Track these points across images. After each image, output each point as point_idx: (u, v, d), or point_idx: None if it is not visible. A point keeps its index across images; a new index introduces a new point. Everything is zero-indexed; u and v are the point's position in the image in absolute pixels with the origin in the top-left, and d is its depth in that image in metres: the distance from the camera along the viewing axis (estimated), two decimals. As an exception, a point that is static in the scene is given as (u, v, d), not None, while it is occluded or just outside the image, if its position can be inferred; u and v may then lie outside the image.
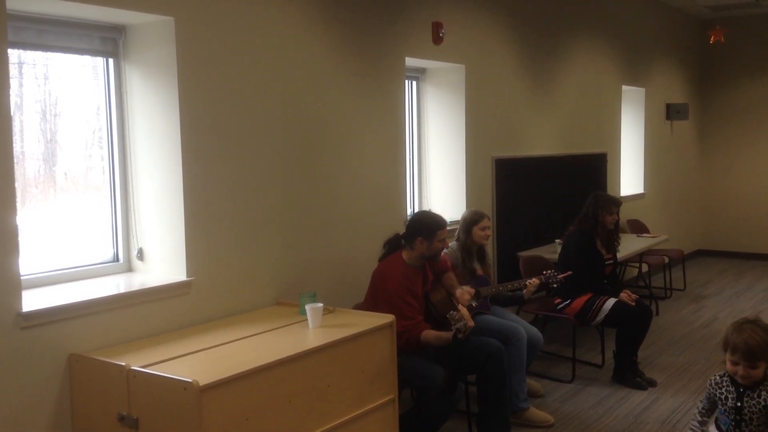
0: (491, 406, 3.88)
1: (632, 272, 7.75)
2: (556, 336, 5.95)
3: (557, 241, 5.80)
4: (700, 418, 3.00)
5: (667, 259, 7.64)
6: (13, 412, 2.84)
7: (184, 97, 3.42)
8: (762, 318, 2.96)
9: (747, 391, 2.82)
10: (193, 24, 3.45)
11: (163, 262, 3.53)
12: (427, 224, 3.91)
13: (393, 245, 4.00)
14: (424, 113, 5.51)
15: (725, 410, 2.87)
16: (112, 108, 3.53)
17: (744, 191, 9.97)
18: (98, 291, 3.22)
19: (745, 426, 2.82)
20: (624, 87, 8.10)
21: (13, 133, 2.91)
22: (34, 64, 3.41)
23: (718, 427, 2.93)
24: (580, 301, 5.05)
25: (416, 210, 5.32)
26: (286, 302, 3.91)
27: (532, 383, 4.78)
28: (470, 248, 4.60)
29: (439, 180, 5.54)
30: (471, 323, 3.64)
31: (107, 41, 3.47)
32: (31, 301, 2.95)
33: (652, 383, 4.98)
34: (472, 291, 4.38)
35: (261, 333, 3.35)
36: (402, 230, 4.02)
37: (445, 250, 4.19)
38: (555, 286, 4.85)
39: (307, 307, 3.43)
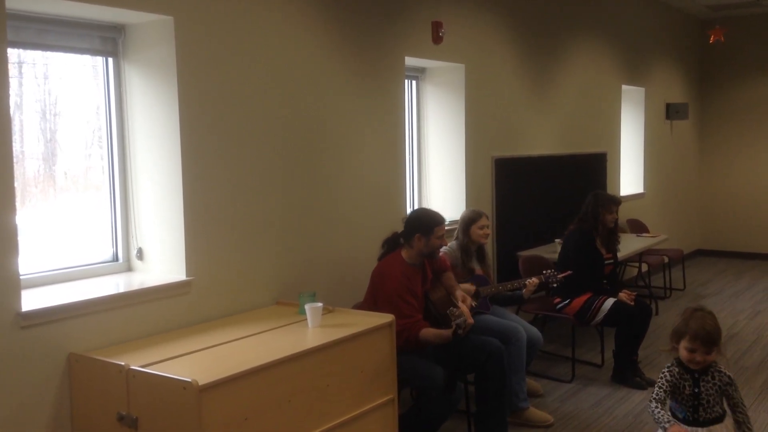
0: (491, 406, 3.88)
1: (632, 272, 7.75)
2: (556, 336, 5.95)
3: (557, 240, 5.80)
4: (656, 410, 3.05)
5: (666, 259, 7.65)
6: (12, 411, 2.84)
7: (183, 97, 3.42)
8: (707, 306, 3.10)
9: (702, 376, 2.94)
10: (192, 24, 3.45)
11: (163, 261, 3.53)
12: (424, 221, 3.91)
13: (392, 244, 4.00)
14: (423, 113, 5.51)
15: (682, 399, 2.96)
16: (112, 107, 3.53)
17: (743, 191, 9.97)
18: (98, 291, 3.21)
19: (702, 410, 2.93)
20: (624, 87, 8.11)
21: (13, 132, 2.91)
22: (33, 64, 3.41)
23: (673, 414, 3.00)
24: (579, 300, 5.05)
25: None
26: (286, 302, 3.91)
27: (532, 383, 4.78)
28: (469, 247, 4.59)
29: (439, 180, 5.54)
30: (471, 320, 3.64)
31: (107, 41, 3.47)
32: (31, 300, 2.95)
33: (651, 383, 4.97)
34: (472, 289, 4.38)
35: (260, 333, 3.35)
36: (401, 229, 4.02)
37: (443, 250, 4.19)
38: (555, 285, 4.85)
39: (307, 307, 3.43)
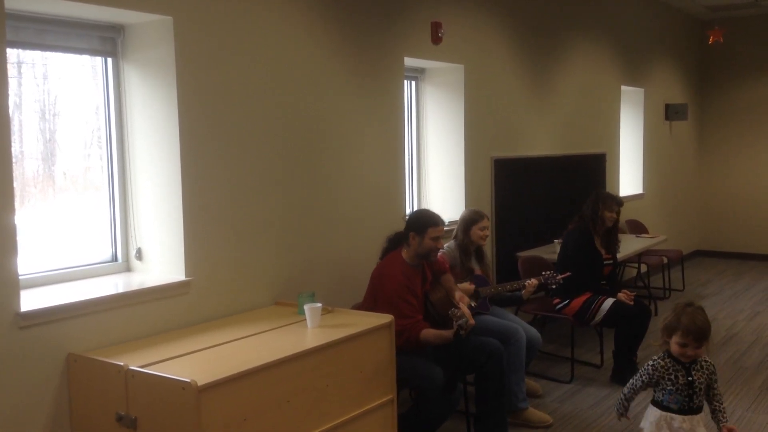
0: (490, 406, 3.88)
1: (631, 272, 7.76)
2: (555, 336, 5.95)
3: (556, 241, 5.80)
4: (629, 396, 3.25)
5: (665, 260, 7.65)
6: (11, 411, 2.84)
7: (182, 97, 3.41)
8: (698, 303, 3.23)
9: (692, 365, 3.09)
10: (192, 24, 3.45)
11: (162, 261, 3.53)
12: (421, 220, 3.91)
13: (395, 242, 4.00)
14: (423, 113, 5.51)
15: (677, 388, 3.08)
16: (111, 107, 3.53)
17: (743, 192, 9.97)
18: (97, 291, 3.21)
19: (696, 397, 3.08)
20: (623, 87, 8.11)
21: (12, 132, 2.91)
22: (33, 64, 3.41)
23: (666, 407, 3.11)
24: (578, 301, 5.05)
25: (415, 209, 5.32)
26: (285, 302, 3.91)
27: (531, 383, 4.78)
28: (468, 248, 4.59)
29: (438, 180, 5.54)
30: (472, 321, 3.64)
31: (106, 41, 3.47)
32: (30, 300, 2.95)
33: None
34: (471, 288, 4.38)
35: (260, 333, 3.34)
36: (401, 229, 4.02)
37: (442, 250, 4.19)
38: (554, 287, 4.84)
39: (306, 307, 3.43)
